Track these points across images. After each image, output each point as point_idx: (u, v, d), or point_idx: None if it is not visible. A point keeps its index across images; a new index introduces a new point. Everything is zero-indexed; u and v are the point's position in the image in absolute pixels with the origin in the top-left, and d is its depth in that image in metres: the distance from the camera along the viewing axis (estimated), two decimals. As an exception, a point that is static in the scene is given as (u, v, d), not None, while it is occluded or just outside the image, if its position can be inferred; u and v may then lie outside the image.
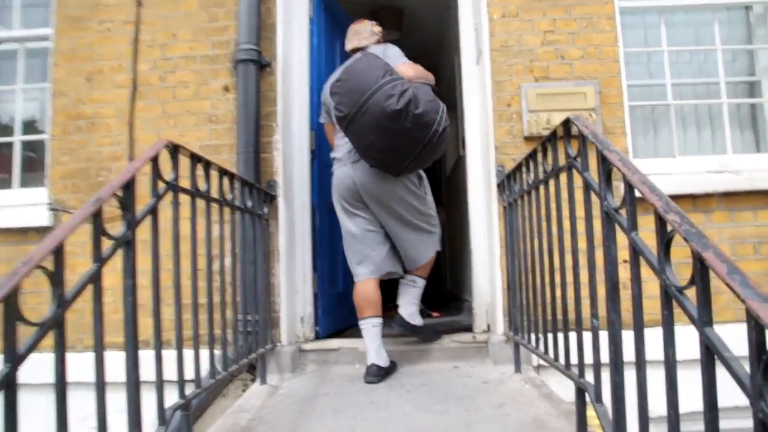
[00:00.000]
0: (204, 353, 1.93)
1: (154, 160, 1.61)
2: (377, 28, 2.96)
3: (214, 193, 2.07)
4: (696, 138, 3.34)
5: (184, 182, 1.85)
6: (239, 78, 2.94)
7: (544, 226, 2.02)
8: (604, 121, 2.97)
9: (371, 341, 2.67)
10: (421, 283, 2.92)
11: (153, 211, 1.58)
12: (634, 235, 1.23)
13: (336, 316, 3.56)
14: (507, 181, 2.71)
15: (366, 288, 2.75)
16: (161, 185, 1.66)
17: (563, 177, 1.80)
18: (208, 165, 1.99)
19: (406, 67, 2.62)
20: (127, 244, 1.42)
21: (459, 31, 3.29)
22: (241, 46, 2.94)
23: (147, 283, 1.59)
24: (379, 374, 2.57)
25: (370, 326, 2.69)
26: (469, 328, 3.23)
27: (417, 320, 2.90)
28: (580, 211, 1.67)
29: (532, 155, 2.17)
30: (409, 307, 2.88)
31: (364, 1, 5.03)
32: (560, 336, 1.87)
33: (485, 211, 3.04)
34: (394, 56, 2.73)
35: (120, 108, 3.13)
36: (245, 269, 2.46)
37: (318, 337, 3.22)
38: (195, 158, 1.89)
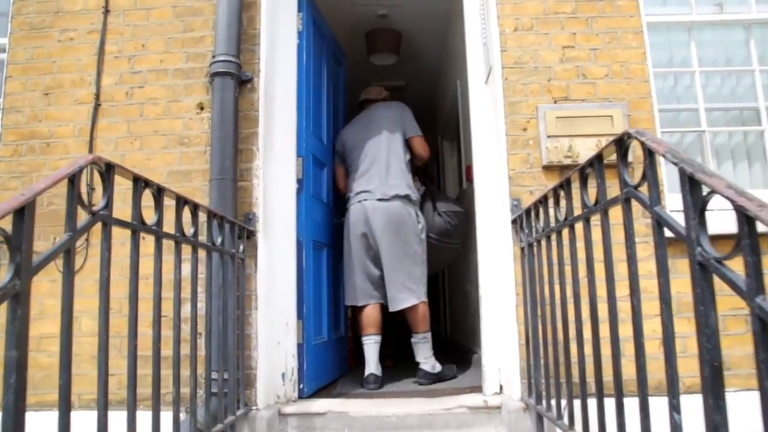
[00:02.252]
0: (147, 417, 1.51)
1: (73, 181, 1.19)
2: (385, 93, 3.74)
3: (169, 227, 1.65)
4: (731, 170, 2.97)
5: (126, 212, 1.45)
6: (215, 94, 2.54)
7: (583, 274, 1.60)
8: (633, 150, 2.58)
9: (372, 355, 3.18)
10: (429, 336, 3.25)
11: (68, 251, 1.16)
12: (761, 300, 0.81)
13: (323, 369, 3.10)
14: (525, 217, 2.30)
15: (373, 310, 3.26)
16: (85, 216, 1.24)
17: (614, 212, 1.39)
18: (159, 192, 1.58)
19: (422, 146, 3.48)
20: (15, 298, 0.99)
21: (465, 46, 2.93)
22: (218, 57, 2.56)
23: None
24: (376, 381, 3.08)
25: (373, 342, 3.22)
26: (476, 387, 2.79)
27: (437, 368, 3.22)
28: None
29: (563, 185, 1.76)
30: (429, 361, 3.20)
31: (359, 23, 4.72)
32: (608, 405, 1.44)
33: (497, 252, 2.62)
34: (413, 126, 3.44)
35: (80, 127, 2.73)
36: (211, 319, 2.02)
37: (302, 396, 2.75)
38: (140, 182, 1.47)
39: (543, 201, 2.02)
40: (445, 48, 5.12)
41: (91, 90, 2.74)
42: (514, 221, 2.50)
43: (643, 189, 1.25)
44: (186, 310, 1.84)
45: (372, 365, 3.15)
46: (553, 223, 1.90)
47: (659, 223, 1.14)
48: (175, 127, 2.69)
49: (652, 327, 2.21)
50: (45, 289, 2.56)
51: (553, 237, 1.93)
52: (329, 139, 3.55)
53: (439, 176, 6.02)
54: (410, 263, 3.21)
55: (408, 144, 3.40)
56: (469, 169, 3.98)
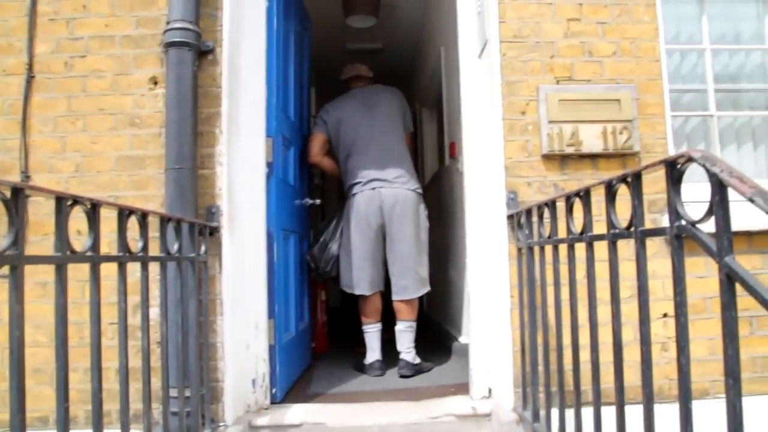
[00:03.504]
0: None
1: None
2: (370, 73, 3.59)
3: (107, 247, 1.35)
4: (735, 154, 2.76)
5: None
6: (170, 68, 2.18)
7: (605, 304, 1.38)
8: (641, 138, 2.34)
9: (376, 342, 3.21)
10: (414, 325, 3.20)
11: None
12: None
13: (294, 366, 2.89)
14: (526, 216, 2.05)
15: (378, 299, 3.24)
16: None
17: (654, 243, 1.15)
18: (94, 208, 1.26)
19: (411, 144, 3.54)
20: None
21: (456, 14, 2.60)
22: (173, 24, 2.18)
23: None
24: (381, 368, 3.14)
25: (377, 330, 3.22)
26: (462, 386, 2.62)
27: (417, 359, 3.16)
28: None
29: (581, 194, 1.51)
30: (411, 352, 3.13)
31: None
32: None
33: (489, 249, 2.37)
34: (410, 122, 3.53)
35: (9, 103, 2.34)
36: (168, 339, 1.74)
37: (274, 401, 2.52)
38: (64, 201, 1.15)
39: (551, 205, 1.77)
40: (428, 9, 4.74)
41: (22, 59, 2.33)
42: (510, 216, 2.25)
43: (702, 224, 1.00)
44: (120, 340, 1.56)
45: (377, 352, 3.21)
46: (563, 234, 1.66)
47: (729, 277, 0.90)
48: (125, 105, 2.32)
49: (653, 330, 2.04)
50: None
51: (562, 248, 1.69)
52: (297, 114, 3.21)
53: (416, 146, 5.72)
54: (423, 254, 3.23)
55: None
56: (453, 145, 3.70)
